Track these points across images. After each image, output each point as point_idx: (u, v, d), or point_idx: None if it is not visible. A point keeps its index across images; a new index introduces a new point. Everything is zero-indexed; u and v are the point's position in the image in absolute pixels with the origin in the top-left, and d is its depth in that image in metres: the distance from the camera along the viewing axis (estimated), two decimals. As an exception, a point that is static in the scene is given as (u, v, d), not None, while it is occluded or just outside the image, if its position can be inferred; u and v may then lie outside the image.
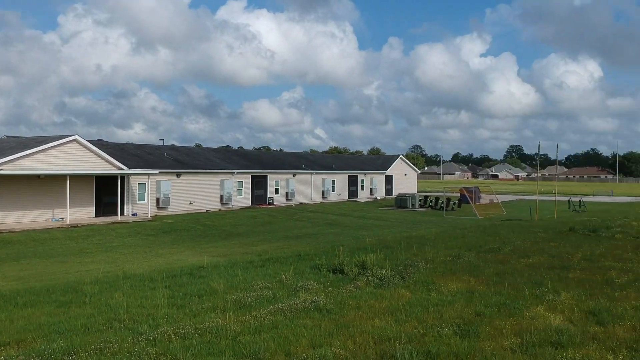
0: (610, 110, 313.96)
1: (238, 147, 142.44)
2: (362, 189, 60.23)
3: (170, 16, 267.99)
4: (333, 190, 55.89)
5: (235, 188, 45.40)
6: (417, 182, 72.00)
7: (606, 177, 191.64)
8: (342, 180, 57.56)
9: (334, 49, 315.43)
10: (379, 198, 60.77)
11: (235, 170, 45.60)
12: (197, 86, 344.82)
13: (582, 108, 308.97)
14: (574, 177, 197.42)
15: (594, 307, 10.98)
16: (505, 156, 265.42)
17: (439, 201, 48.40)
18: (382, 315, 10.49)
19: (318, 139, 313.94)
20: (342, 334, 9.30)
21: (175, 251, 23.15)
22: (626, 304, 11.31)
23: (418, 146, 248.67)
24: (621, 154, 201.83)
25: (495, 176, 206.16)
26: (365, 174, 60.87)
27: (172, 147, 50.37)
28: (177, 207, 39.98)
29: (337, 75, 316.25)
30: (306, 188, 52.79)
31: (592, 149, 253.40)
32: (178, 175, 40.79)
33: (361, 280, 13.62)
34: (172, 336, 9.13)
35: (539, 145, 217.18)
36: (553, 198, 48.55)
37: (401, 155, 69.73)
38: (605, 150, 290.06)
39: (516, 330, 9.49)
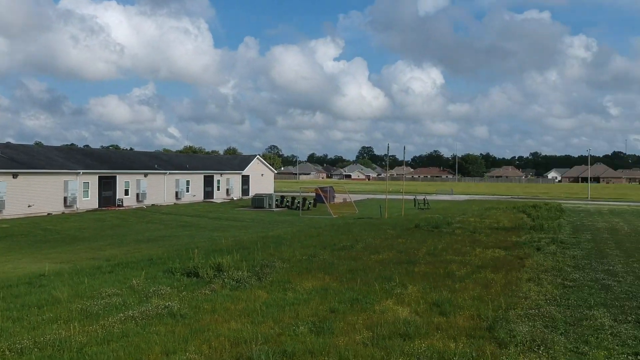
0: (450, 115, 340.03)
1: (84, 146, 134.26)
2: (218, 189, 59.44)
3: (5, 1, 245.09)
4: (188, 191, 54.53)
5: (80, 189, 42.61)
6: (274, 182, 72.57)
7: (447, 177, 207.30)
8: (197, 180, 56.36)
9: (188, 45, 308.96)
10: (235, 198, 60.38)
11: (81, 170, 42.79)
12: (37, 79, 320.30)
13: (426, 112, 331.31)
14: (419, 176, 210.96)
15: (438, 299, 11.75)
16: (357, 157, 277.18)
17: (295, 201, 49.13)
18: (238, 318, 10.38)
19: (172, 138, 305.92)
20: (197, 339, 9.07)
21: (11, 259, 21.14)
22: (465, 295, 12.24)
23: (275, 146, 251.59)
24: (460, 156, 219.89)
25: (349, 176, 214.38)
26: (221, 174, 60.14)
27: (8, 144, 46.09)
28: (13, 210, 36.60)
29: (192, 73, 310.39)
30: (159, 189, 50.97)
31: (434, 150, 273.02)
32: (15, 175, 37.37)
33: (217, 282, 13.40)
34: (7, 352, 8.30)
35: (388, 146, 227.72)
36: (401, 197, 51.43)
37: (258, 155, 69.89)
38: (446, 152, 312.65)
39: (368, 325, 9.86)
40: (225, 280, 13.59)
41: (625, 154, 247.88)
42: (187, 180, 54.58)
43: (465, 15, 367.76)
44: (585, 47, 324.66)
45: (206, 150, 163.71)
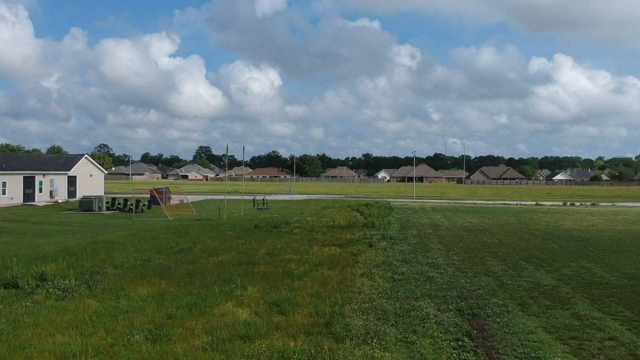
0: (288, 116, 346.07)
1: None
2: (41, 191, 54.69)
3: None
4: (4, 193, 49.49)
5: None
6: (105, 183, 68.57)
7: (285, 177, 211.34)
8: (15, 182, 51.35)
9: (5, 33, 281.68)
10: (60, 201, 56.03)
11: None
12: None
13: (264, 113, 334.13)
14: (258, 177, 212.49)
15: (277, 298, 11.87)
16: (194, 157, 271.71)
17: (128, 203, 46.85)
18: (65, 330, 9.60)
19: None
20: (17, 357, 8.23)
21: None
22: (304, 293, 12.50)
23: (105, 145, 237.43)
24: (297, 156, 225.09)
25: (185, 176, 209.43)
26: (44, 174, 55.42)
27: None
28: None
29: (9, 64, 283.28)
30: (-30, 191, 45.69)
31: (273, 151, 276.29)
32: None
33: (40, 293, 12.29)
34: None
35: (227, 146, 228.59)
36: (240, 197, 51.38)
37: (86, 155, 65.51)
38: (284, 153, 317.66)
39: (207, 329, 9.66)
40: (50, 290, 12.52)
41: (445, 155, 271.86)
42: (3, 182, 49.54)
43: (302, 19, 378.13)
44: (410, 56, 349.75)
45: (26, 149, 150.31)
